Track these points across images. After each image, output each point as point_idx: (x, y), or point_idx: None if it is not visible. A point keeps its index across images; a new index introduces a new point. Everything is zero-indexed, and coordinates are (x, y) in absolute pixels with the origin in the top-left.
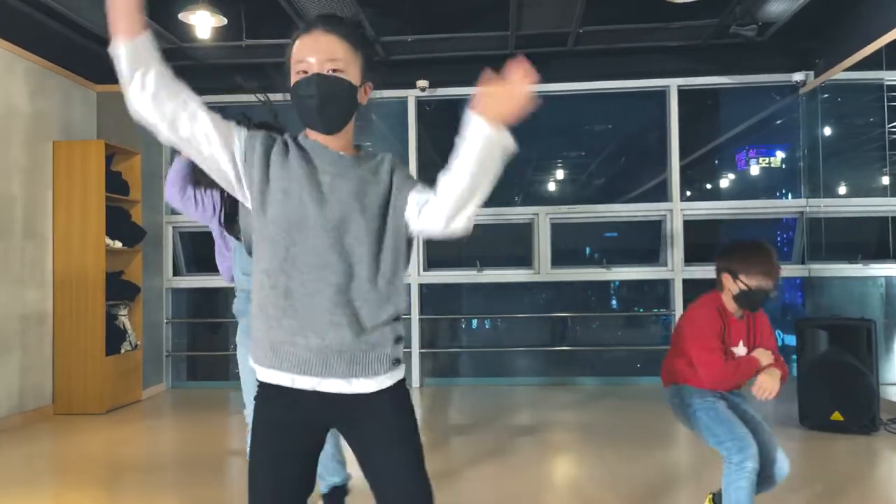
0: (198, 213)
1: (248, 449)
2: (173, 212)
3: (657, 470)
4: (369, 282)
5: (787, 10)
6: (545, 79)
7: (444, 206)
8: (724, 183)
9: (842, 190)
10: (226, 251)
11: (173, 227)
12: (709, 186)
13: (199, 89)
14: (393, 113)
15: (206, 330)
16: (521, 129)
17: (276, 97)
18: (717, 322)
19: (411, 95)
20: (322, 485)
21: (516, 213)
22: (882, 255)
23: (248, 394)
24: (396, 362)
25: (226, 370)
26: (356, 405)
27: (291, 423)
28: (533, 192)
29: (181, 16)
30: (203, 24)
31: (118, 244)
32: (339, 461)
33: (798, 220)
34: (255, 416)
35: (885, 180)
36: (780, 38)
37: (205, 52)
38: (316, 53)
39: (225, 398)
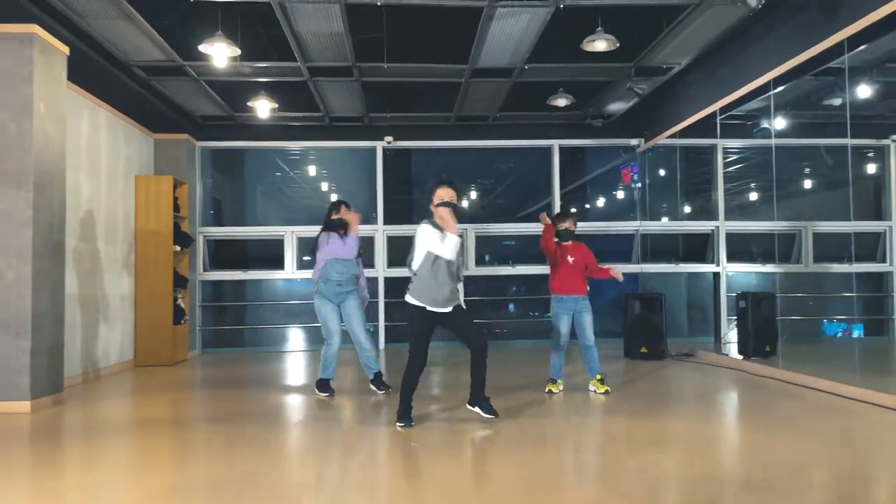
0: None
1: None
2: (204, 224)
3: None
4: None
5: (622, 109)
6: (473, 137)
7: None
8: (590, 208)
9: (663, 214)
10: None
11: (203, 236)
12: (587, 207)
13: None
14: (362, 157)
15: (217, 310)
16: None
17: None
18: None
19: (379, 146)
20: (369, 373)
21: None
22: (686, 258)
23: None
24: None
25: (237, 340)
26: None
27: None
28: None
29: (201, 47)
30: (262, 108)
31: (177, 248)
32: (375, 359)
33: (635, 235)
34: (416, 317)
35: (686, 209)
36: (621, 118)
37: (245, 117)
38: (446, 194)
39: (240, 358)
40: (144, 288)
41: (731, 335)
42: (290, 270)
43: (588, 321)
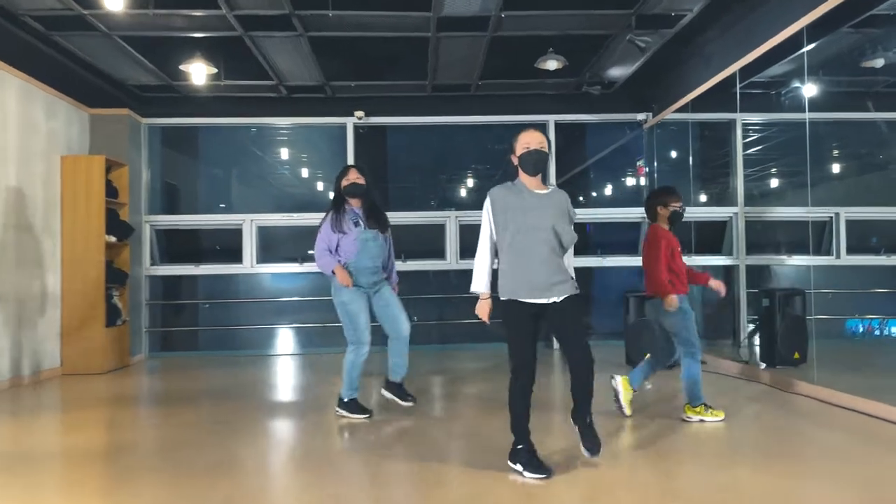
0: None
1: None
2: (152, 211)
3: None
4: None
5: (624, 74)
6: (456, 112)
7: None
8: (595, 195)
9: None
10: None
11: (150, 226)
12: (593, 196)
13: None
14: (335, 136)
15: (173, 309)
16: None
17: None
18: (666, 245)
19: (349, 122)
20: (396, 375)
21: (433, 216)
22: (699, 249)
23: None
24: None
25: (191, 342)
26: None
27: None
28: (447, 198)
29: (182, 66)
30: (198, 72)
31: (112, 238)
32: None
33: (642, 224)
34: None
35: (701, 195)
36: (625, 88)
37: (189, 87)
38: (533, 140)
39: (192, 363)
40: (72, 285)
41: (752, 338)
42: (250, 264)
43: None
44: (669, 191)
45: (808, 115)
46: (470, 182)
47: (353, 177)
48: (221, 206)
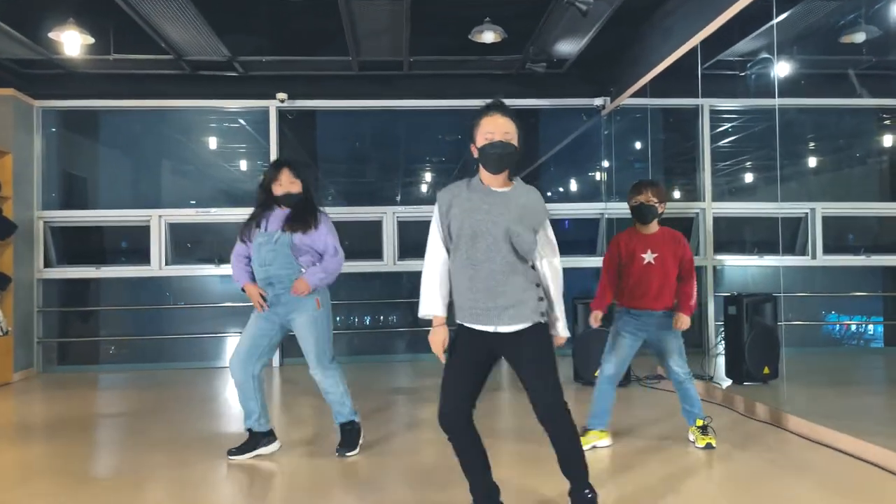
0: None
1: None
2: (45, 207)
3: None
4: None
5: (574, 50)
6: (391, 95)
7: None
8: (549, 189)
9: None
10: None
11: (44, 222)
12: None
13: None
14: (259, 119)
15: (79, 318)
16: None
17: None
18: (613, 251)
19: (272, 105)
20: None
21: (368, 212)
22: None
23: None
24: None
25: (95, 355)
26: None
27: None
28: (408, 193)
29: (51, 35)
30: (72, 42)
31: None
32: (342, 402)
33: (600, 220)
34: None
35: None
36: (579, 68)
37: (74, 63)
38: (497, 128)
39: (93, 379)
40: None
41: (720, 347)
42: (158, 266)
43: (675, 346)
44: (631, 188)
45: (777, 102)
46: (416, 174)
47: (287, 183)
48: (128, 198)
